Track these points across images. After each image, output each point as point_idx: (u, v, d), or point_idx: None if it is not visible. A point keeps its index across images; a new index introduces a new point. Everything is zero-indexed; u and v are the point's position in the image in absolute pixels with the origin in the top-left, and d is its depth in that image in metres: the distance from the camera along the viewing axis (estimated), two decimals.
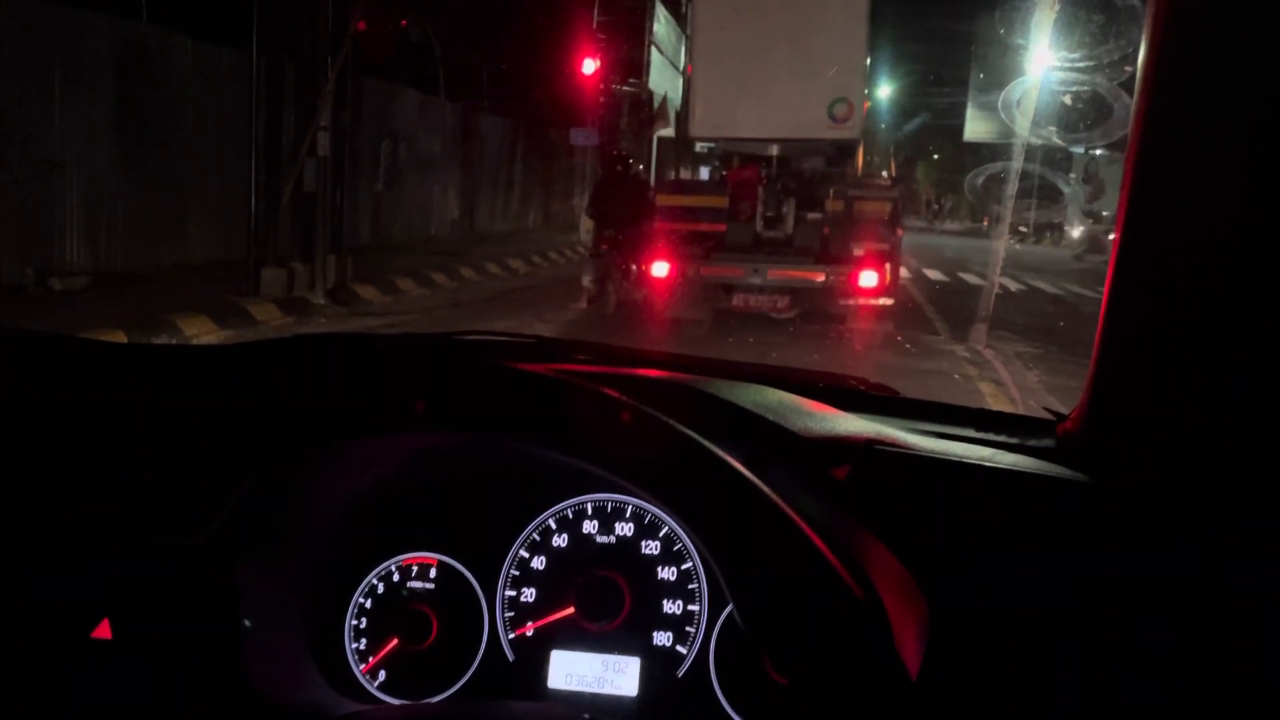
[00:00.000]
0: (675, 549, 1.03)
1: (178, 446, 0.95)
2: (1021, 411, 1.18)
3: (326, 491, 0.99)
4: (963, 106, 29.59)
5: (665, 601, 1.01)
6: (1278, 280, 0.72)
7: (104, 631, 0.90)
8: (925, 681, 0.71)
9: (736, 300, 9.27)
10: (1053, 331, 10.45)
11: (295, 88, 10.15)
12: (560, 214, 22.89)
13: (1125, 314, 0.82)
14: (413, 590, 1.06)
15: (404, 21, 16.11)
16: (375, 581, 1.06)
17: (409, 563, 1.06)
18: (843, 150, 10.24)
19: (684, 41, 11.18)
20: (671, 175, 12.40)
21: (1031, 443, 0.99)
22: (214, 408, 0.99)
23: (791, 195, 9.65)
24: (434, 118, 17.39)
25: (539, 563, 1.05)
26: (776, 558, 0.74)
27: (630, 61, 16.49)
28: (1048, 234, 32.24)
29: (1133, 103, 0.80)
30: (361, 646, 1.05)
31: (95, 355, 1.22)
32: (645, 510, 1.04)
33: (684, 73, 10.79)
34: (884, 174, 16.65)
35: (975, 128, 29.28)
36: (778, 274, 9.18)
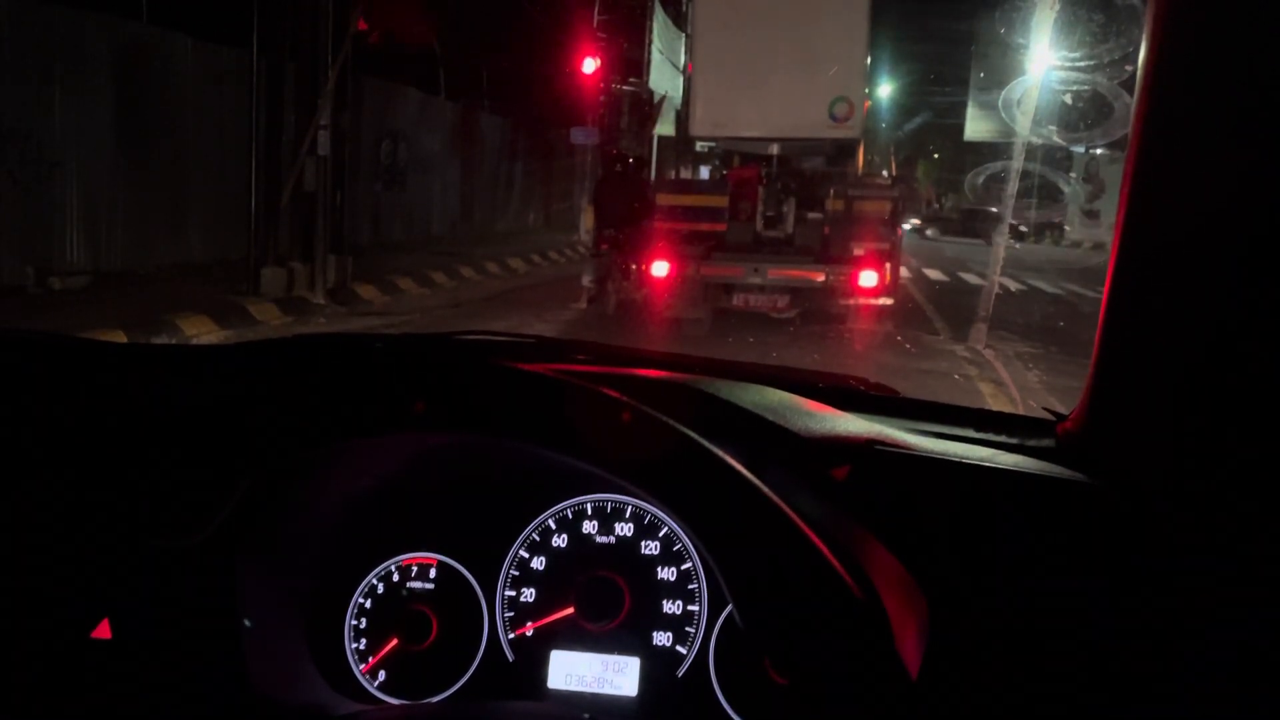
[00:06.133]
0: (675, 549, 1.02)
1: (178, 446, 0.95)
2: (1021, 411, 1.18)
3: (326, 491, 0.99)
4: (963, 106, 29.57)
5: (665, 601, 1.01)
6: (1277, 280, 0.72)
7: (104, 631, 0.90)
8: (925, 681, 0.71)
9: (736, 300, 9.27)
10: (1053, 331, 10.45)
11: (295, 87, 10.14)
12: (560, 214, 22.89)
13: (1125, 314, 0.82)
14: (413, 590, 1.06)
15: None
16: (375, 581, 1.06)
17: (409, 563, 1.06)
18: (843, 149, 10.24)
19: (684, 40, 11.17)
20: (672, 175, 12.39)
21: (1031, 443, 0.99)
22: (214, 408, 0.99)
23: (792, 194, 9.65)
24: (434, 118, 17.39)
25: (539, 563, 1.05)
26: (776, 558, 0.74)
27: (630, 61, 16.48)
28: (1048, 233, 32.24)
29: (1133, 102, 0.80)
30: (361, 646, 1.05)
31: (95, 355, 1.22)
32: (645, 510, 1.04)
33: (684, 72, 10.78)
34: (884, 173, 16.66)
35: (976, 127, 29.26)
36: (778, 274, 9.18)
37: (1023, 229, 31.29)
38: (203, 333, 8.30)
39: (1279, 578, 0.72)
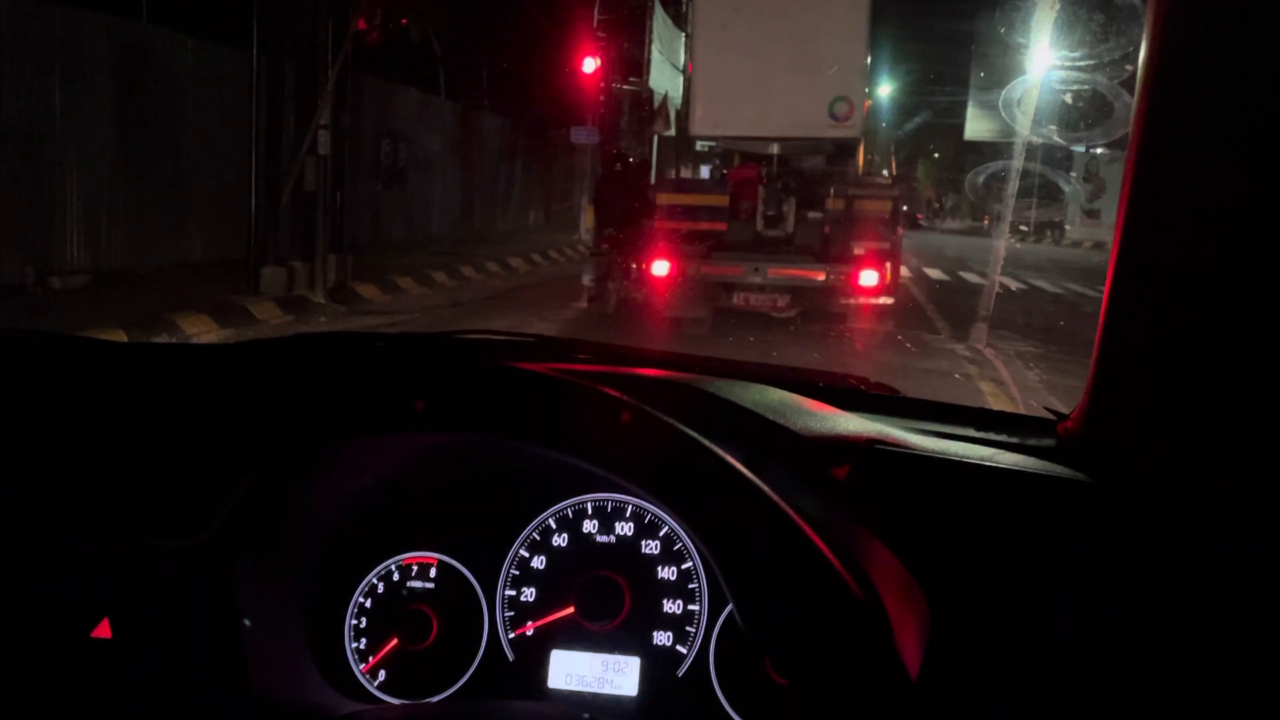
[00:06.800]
0: (675, 549, 1.02)
1: (178, 446, 0.95)
2: (1022, 411, 1.18)
3: (326, 491, 0.99)
4: (963, 105, 29.57)
5: (665, 601, 1.01)
6: (1277, 280, 0.72)
7: (104, 631, 0.90)
8: (925, 681, 0.71)
9: (737, 299, 9.27)
10: (1053, 331, 10.45)
11: (295, 87, 10.15)
12: (560, 213, 22.89)
13: (1125, 313, 0.82)
14: (413, 590, 1.06)
15: (404, 20, 16.09)
16: (375, 581, 1.06)
17: (409, 562, 1.06)
18: (843, 149, 10.23)
19: (684, 40, 11.17)
20: (672, 174, 12.39)
21: (1031, 442, 0.99)
22: (214, 408, 0.99)
23: (792, 194, 9.65)
24: (434, 117, 17.38)
25: (539, 562, 1.05)
26: (776, 558, 0.74)
27: (630, 60, 16.48)
28: (1048, 233, 32.27)
29: (1133, 101, 0.80)
30: (361, 646, 1.05)
31: (95, 355, 1.22)
32: (645, 510, 1.04)
33: (684, 71, 10.78)
34: (885, 173, 16.65)
35: (976, 126, 29.26)
36: (778, 273, 9.18)
37: (1023, 227, 31.31)
38: (203, 332, 8.30)
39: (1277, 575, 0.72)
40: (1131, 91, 0.82)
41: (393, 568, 1.06)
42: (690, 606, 1.01)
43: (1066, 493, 0.82)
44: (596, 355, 1.29)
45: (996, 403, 6.70)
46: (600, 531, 1.05)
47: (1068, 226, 32.04)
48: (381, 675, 1.04)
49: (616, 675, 1.00)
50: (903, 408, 1.14)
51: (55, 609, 0.92)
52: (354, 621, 1.05)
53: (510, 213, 21.34)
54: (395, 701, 1.03)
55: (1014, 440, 1.00)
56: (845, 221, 9.21)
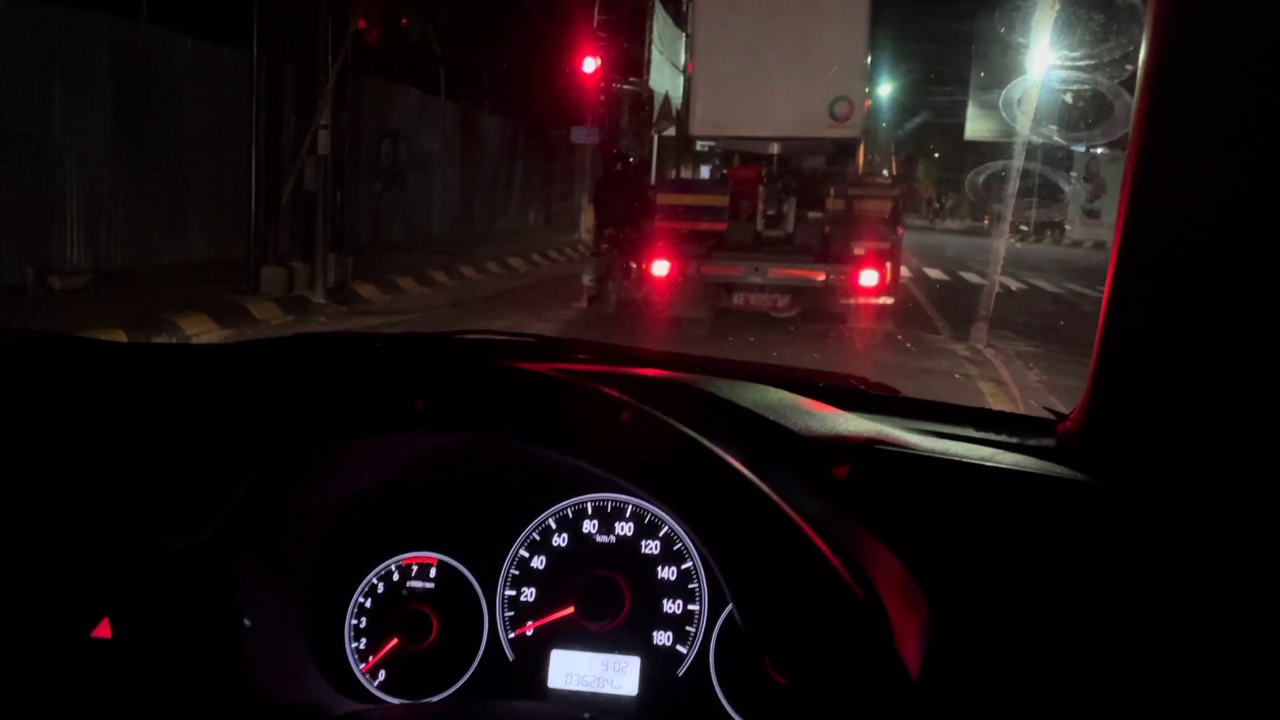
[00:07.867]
0: (675, 549, 1.02)
1: (178, 446, 0.95)
2: (1022, 411, 1.18)
3: (326, 491, 0.99)
4: (963, 105, 29.55)
5: (665, 601, 1.01)
6: (1277, 280, 0.72)
7: (104, 631, 0.90)
8: (925, 681, 0.71)
9: (737, 299, 9.28)
10: (1053, 330, 10.45)
11: (295, 87, 10.15)
12: (560, 213, 22.89)
13: (1125, 313, 0.82)
14: (413, 590, 1.06)
15: (404, 20, 16.10)
16: (375, 581, 1.06)
17: (409, 562, 1.06)
18: (843, 149, 10.23)
19: (684, 40, 11.17)
20: (672, 174, 12.39)
21: (1032, 442, 0.99)
22: (214, 408, 0.99)
23: (792, 194, 9.65)
24: (434, 117, 17.39)
25: (539, 562, 1.05)
26: (776, 558, 0.74)
27: (631, 60, 16.50)
28: (1048, 232, 32.28)
29: (1134, 101, 0.80)
30: (361, 646, 1.05)
31: (95, 355, 1.22)
32: (645, 510, 1.04)
33: (684, 71, 10.79)
34: (885, 173, 16.65)
35: (976, 126, 29.24)
36: (778, 273, 9.18)
37: (1023, 227, 31.32)
38: (203, 332, 8.30)
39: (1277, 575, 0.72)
40: (1131, 91, 0.82)
41: (393, 568, 1.06)
42: (690, 606, 1.01)
43: (1066, 493, 0.83)
44: (596, 355, 1.29)
45: (996, 403, 6.70)
46: (600, 531, 1.05)
47: (1068, 226, 32.04)
48: (381, 675, 1.04)
49: (616, 675, 1.00)
50: (902, 408, 1.14)
51: (55, 609, 0.92)
52: (354, 621, 1.05)
53: (510, 213, 21.34)
54: (395, 701, 1.03)
55: (1014, 440, 1.00)
56: (845, 221, 9.22)
